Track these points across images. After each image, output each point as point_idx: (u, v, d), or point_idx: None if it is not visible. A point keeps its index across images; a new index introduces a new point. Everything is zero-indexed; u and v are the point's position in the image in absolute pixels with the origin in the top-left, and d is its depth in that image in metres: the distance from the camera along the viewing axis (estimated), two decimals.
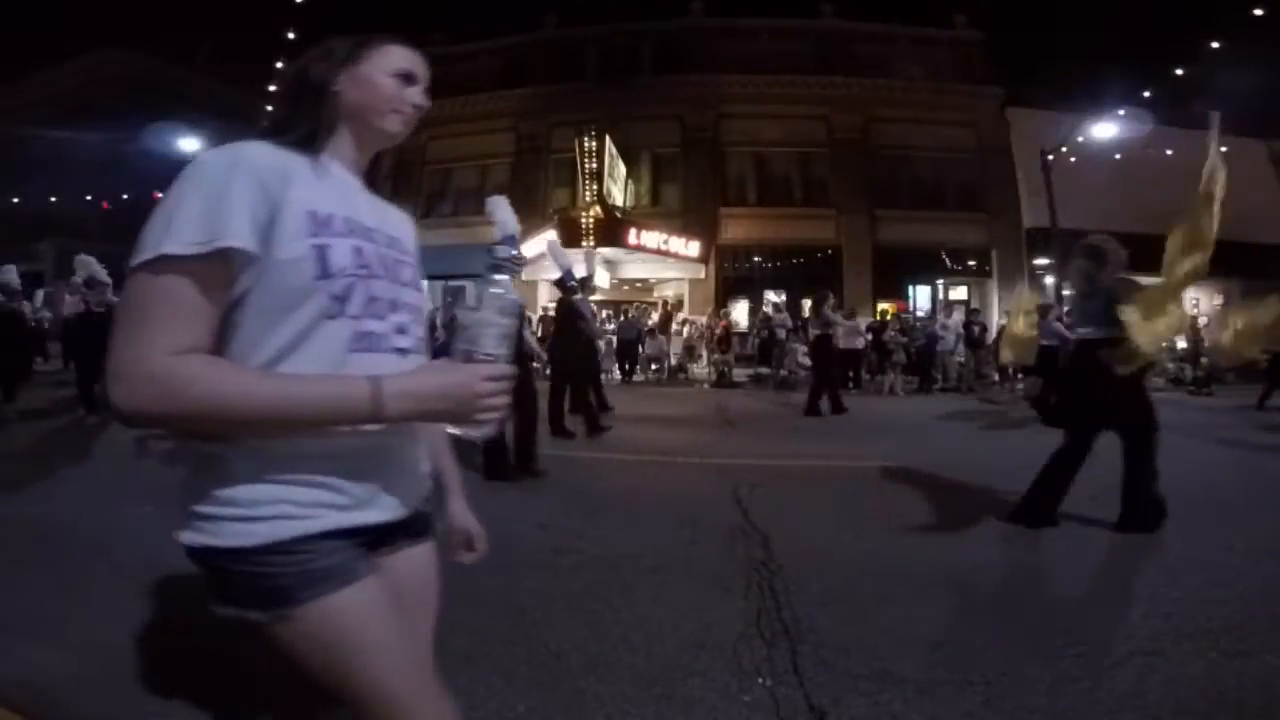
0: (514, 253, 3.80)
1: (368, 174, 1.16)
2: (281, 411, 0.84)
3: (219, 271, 0.84)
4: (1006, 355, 6.30)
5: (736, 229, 18.30)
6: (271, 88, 17.61)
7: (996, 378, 13.24)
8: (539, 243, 16.54)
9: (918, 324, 14.61)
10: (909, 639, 2.35)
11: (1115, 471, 4.88)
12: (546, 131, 19.18)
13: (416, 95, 1.10)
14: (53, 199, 21.05)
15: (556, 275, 7.14)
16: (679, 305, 17.98)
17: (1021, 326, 5.35)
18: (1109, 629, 2.42)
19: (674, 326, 16.41)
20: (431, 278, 13.62)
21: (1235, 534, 3.55)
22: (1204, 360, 13.82)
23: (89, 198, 18.96)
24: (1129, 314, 3.31)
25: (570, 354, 6.86)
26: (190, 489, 0.90)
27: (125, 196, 20.28)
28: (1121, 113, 14.64)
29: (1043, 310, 8.74)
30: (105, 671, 2.08)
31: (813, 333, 9.17)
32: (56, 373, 10.78)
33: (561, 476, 4.96)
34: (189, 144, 18.58)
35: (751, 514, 3.87)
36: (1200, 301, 17.71)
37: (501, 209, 4.31)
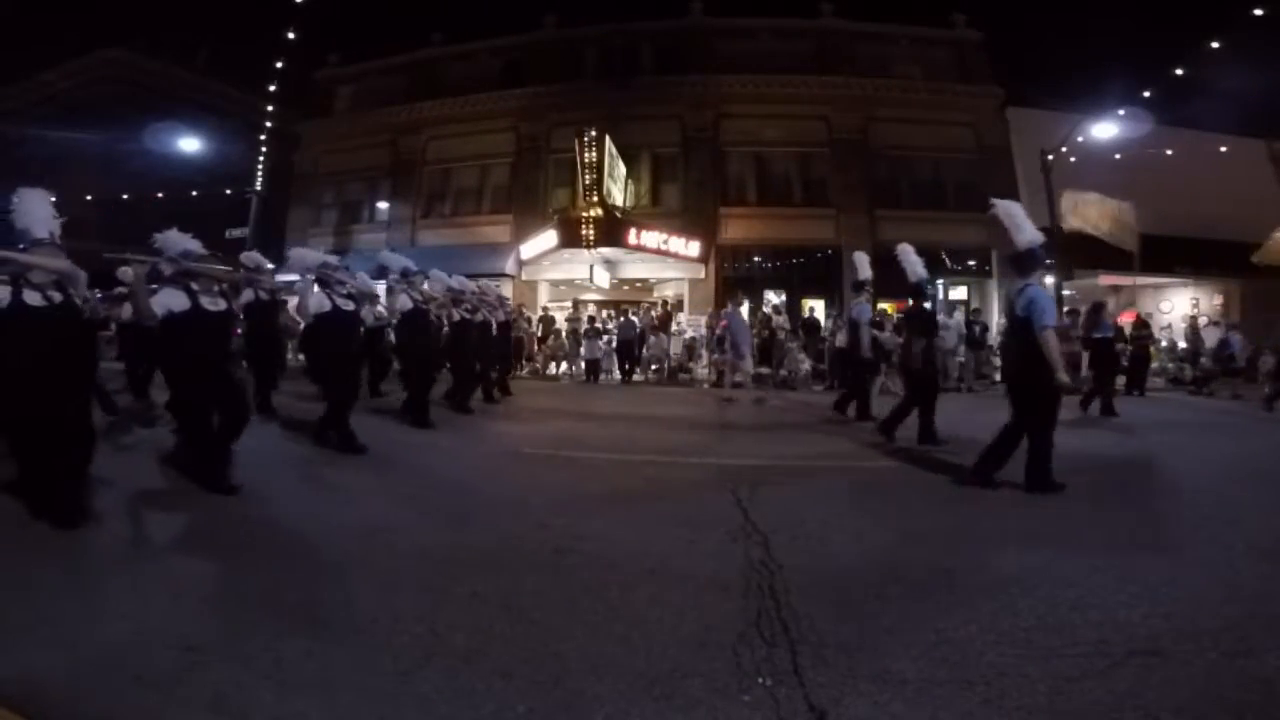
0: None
1: None
2: None
3: None
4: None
5: (736, 229, 18.29)
6: (271, 88, 17.66)
7: (997, 377, 13.25)
8: (540, 242, 16.61)
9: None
10: (909, 639, 2.35)
11: (1114, 476, 4.87)
12: (546, 131, 19.17)
13: None
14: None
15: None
16: (679, 305, 17.98)
17: None
18: (1109, 629, 2.42)
19: (674, 326, 16.42)
20: None
21: (1235, 534, 3.55)
22: (1203, 360, 13.83)
23: (89, 198, 18.96)
24: None
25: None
26: None
27: (125, 197, 20.28)
28: (1121, 113, 14.65)
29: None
30: (105, 671, 2.08)
31: (858, 336, 8.78)
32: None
33: (560, 476, 4.96)
34: (189, 144, 18.63)
35: (751, 514, 3.87)
36: (1200, 301, 17.72)
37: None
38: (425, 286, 7.45)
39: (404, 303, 6.85)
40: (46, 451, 3.45)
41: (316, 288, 5.62)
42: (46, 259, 3.50)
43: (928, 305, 6.93)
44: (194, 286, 4.24)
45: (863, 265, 8.66)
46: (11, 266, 3.47)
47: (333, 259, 6.12)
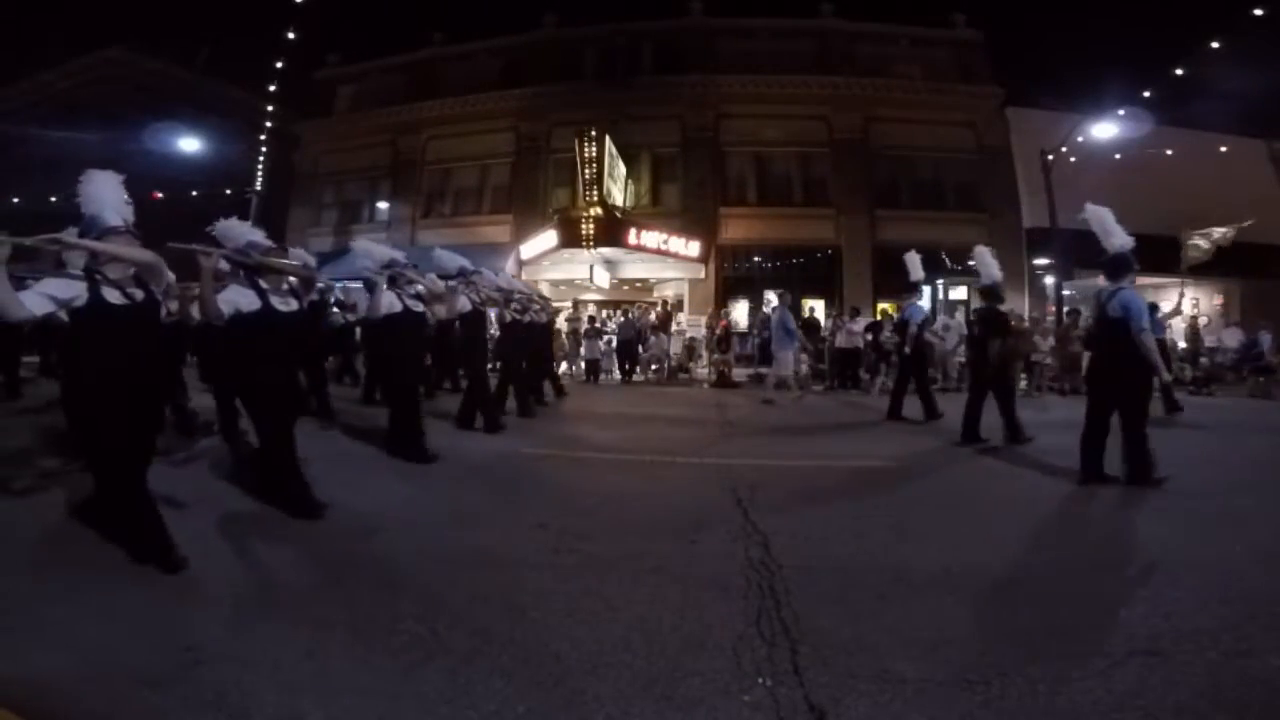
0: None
1: None
2: None
3: None
4: None
5: (736, 229, 18.29)
6: (271, 88, 17.67)
7: None
8: (540, 242, 16.61)
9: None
10: (909, 639, 2.35)
11: (1114, 473, 4.86)
12: (546, 131, 19.17)
13: None
14: (52, 199, 21.09)
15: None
16: (679, 305, 17.98)
17: None
18: (1109, 629, 2.42)
19: (674, 326, 16.41)
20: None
21: (1235, 534, 3.55)
22: (1203, 360, 13.83)
23: None
24: None
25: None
26: None
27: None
28: (1121, 113, 14.64)
29: None
30: (105, 671, 2.08)
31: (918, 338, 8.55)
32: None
33: (561, 477, 4.96)
34: (189, 144, 18.62)
35: (751, 514, 3.87)
36: (1200, 301, 17.71)
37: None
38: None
39: (463, 304, 6.37)
40: (129, 475, 2.97)
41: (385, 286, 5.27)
42: (129, 249, 3.01)
43: (1001, 307, 6.93)
44: (262, 284, 3.78)
45: (915, 267, 8.64)
46: (82, 258, 2.99)
47: (400, 255, 5.68)
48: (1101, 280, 4.86)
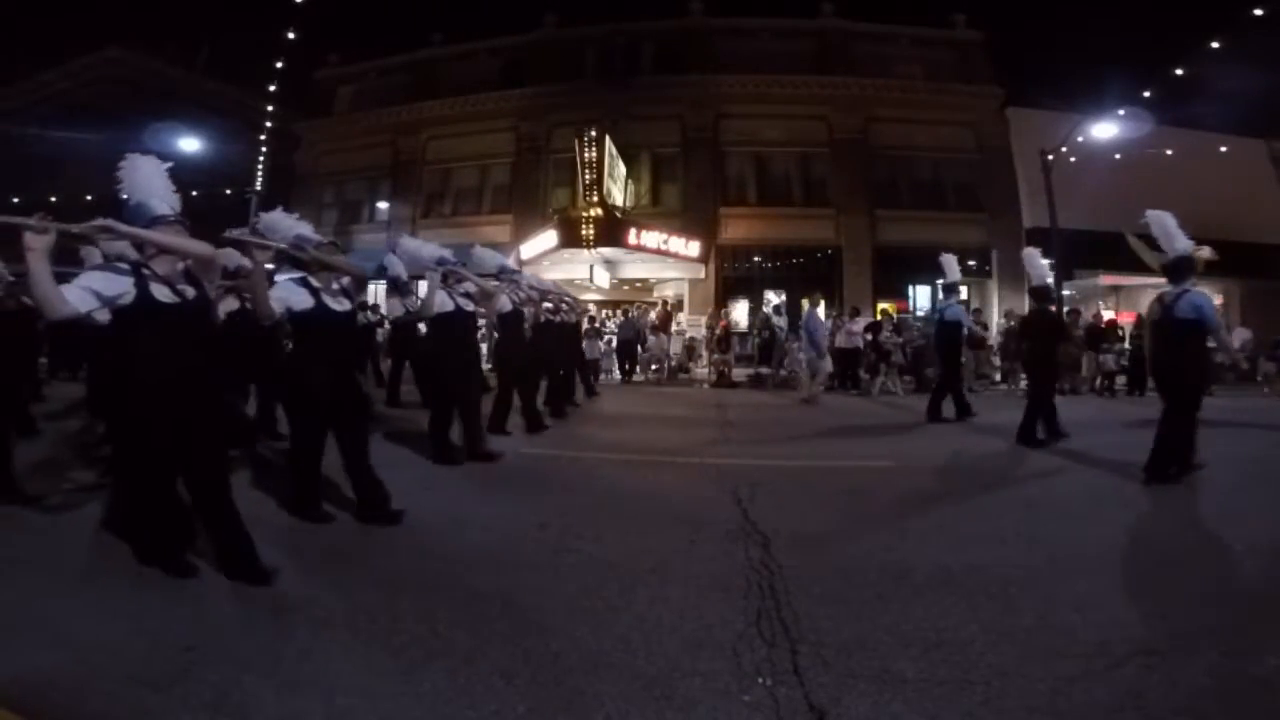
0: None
1: None
2: None
3: None
4: None
5: (736, 229, 18.30)
6: (271, 88, 17.65)
7: (998, 377, 13.26)
8: (540, 242, 16.60)
9: (917, 324, 14.61)
10: (909, 639, 2.35)
11: (1115, 476, 4.88)
12: (546, 131, 19.18)
13: None
14: (53, 199, 21.09)
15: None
16: (679, 305, 17.98)
17: None
18: (1109, 629, 2.42)
19: (674, 326, 16.41)
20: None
21: (1235, 534, 3.55)
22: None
23: (89, 198, 18.97)
24: None
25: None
26: None
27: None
28: (1121, 113, 14.64)
29: None
30: (105, 671, 2.08)
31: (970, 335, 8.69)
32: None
33: (561, 477, 4.96)
34: (189, 144, 18.61)
35: (751, 514, 3.87)
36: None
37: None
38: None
39: (503, 304, 6.21)
40: (164, 479, 2.77)
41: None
42: (184, 240, 2.71)
43: (1051, 308, 6.95)
44: (313, 281, 3.53)
45: (951, 268, 8.67)
46: (122, 249, 2.72)
47: (448, 253, 5.42)
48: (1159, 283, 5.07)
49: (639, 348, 14.48)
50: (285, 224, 3.67)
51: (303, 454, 3.63)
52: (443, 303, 5.05)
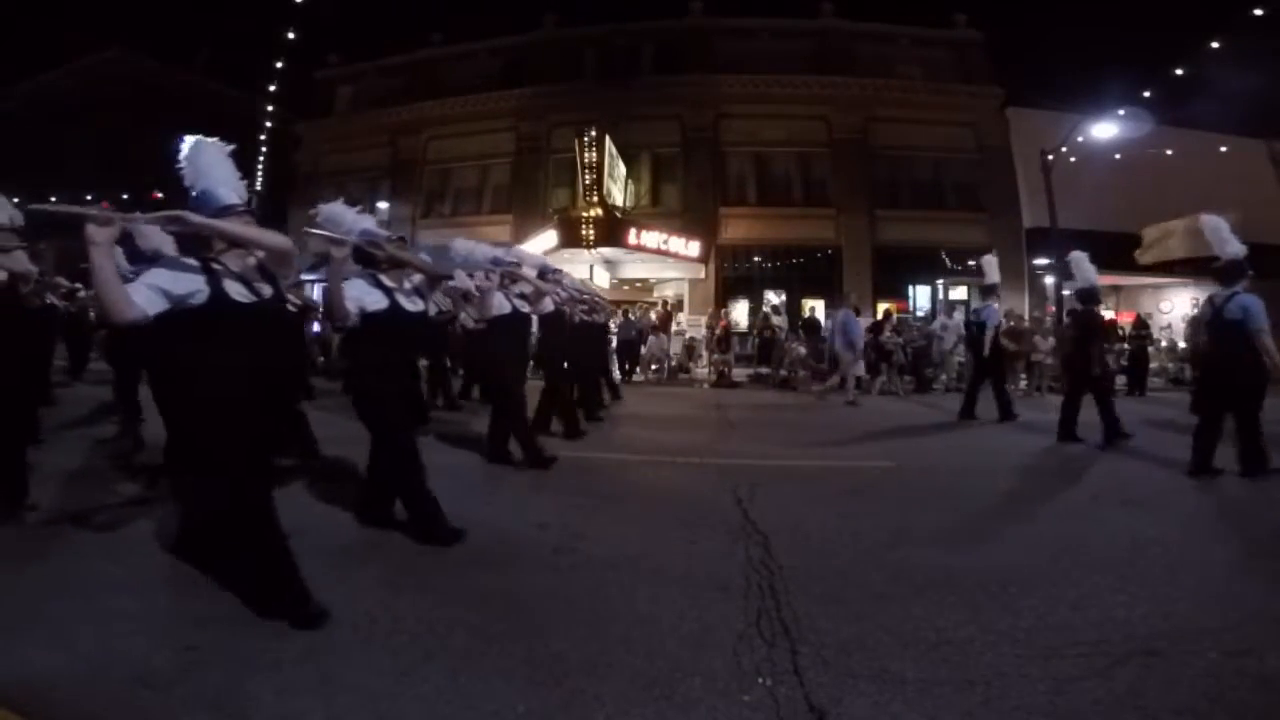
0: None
1: None
2: None
3: None
4: None
5: (736, 229, 18.30)
6: (271, 88, 17.68)
7: None
8: (540, 242, 16.60)
9: (917, 324, 14.63)
10: (909, 639, 2.35)
11: (1115, 475, 4.87)
12: (546, 131, 19.18)
13: None
14: (53, 199, 21.10)
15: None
16: (679, 305, 17.98)
17: None
18: (1109, 629, 2.42)
19: (674, 326, 16.42)
20: None
21: (1235, 534, 3.55)
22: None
23: (89, 197, 19.00)
24: None
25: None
26: None
27: (125, 196, 20.26)
28: (1121, 113, 14.64)
29: None
30: (105, 671, 2.08)
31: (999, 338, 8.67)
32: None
33: (561, 476, 4.96)
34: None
35: (751, 514, 3.87)
36: (1200, 301, 17.70)
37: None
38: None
39: (546, 305, 6.03)
40: (257, 502, 2.45)
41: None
42: (263, 233, 2.44)
43: (1099, 310, 7.02)
44: (384, 280, 3.32)
45: (991, 269, 8.77)
46: (159, 244, 2.50)
47: (503, 253, 5.23)
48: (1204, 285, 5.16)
49: (639, 348, 14.48)
50: (349, 217, 3.41)
51: (401, 470, 3.34)
52: (500, 305, 4.94)
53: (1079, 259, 7.12)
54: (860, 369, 11.04)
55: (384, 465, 3.40)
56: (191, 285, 2.28)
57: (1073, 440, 6.42)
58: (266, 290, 2.47)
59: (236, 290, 2.36)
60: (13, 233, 3.74)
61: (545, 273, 6.42)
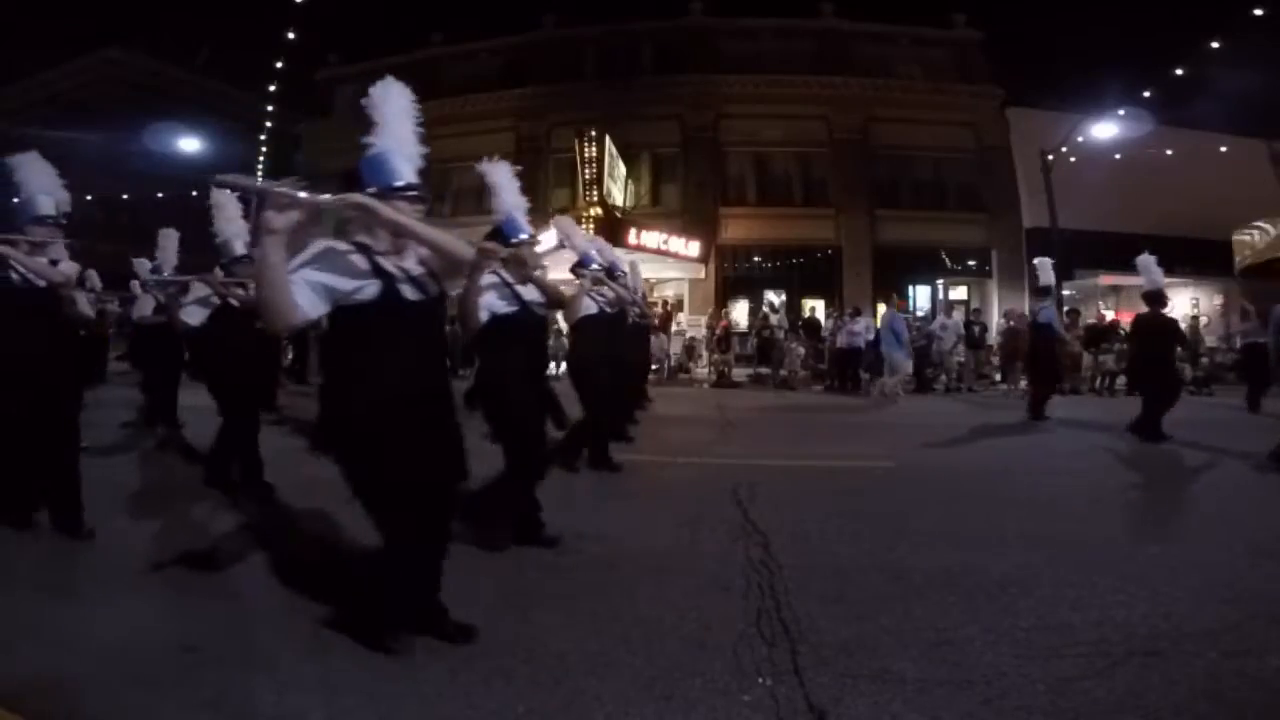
0: None
1: None
2: None
3: None
4: None
5: (736, 229, 18.29)
6: (271, 88, 17.66)
7: (998, 377, 13.25)
8: (541, 241, 16.59)
9: (917, 324, 14.62)
10: (909, 639, 2.35)
11: (1115, 475, 4.88)
12: (546, 131, 19.18)
13: None
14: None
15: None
16: (679, 305, 17.98)
17: None
18: (1109, 629, 2.42)
19: (674, 326, 16.42)
20: None
21: (1235, 534, 3.55)
22: (1204, 360, 13.82)
23: (89, 198, 19.01)
24: None
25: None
26: None
27: (125, 197, 20.29)
28: (1121, 113, 14.64)
29: None
30: (105, 671, 2.08)
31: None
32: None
33: (561, 476, 4.95)
34: (189, 144, 18.64)
35: (751, 514, 3.87)
36: (1200, 301, 17.71)
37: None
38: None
39: (588, 306, 5.64)
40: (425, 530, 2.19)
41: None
42: (445, 237, 2.15)
43: (1164, 312, 7.07)
44: (506, 277, 3.08)
45: (1045, 271, 8.88)
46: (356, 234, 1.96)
47: (594, 254, 5.06)
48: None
49: None
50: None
51: (524, 473, 3.20)
52: (587, 307, 4.80)
53: (1147, 262, 7.19)
54: (909, 367, 11.09)
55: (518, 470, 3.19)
56: (357, 279, 1.98)
57: (1161, 440, 6.42)
58: (435, 289, 2.18)
59: (410, 293, 2.07)
60: (56, 227, 3.41)
61: (614, 271, 6.01)
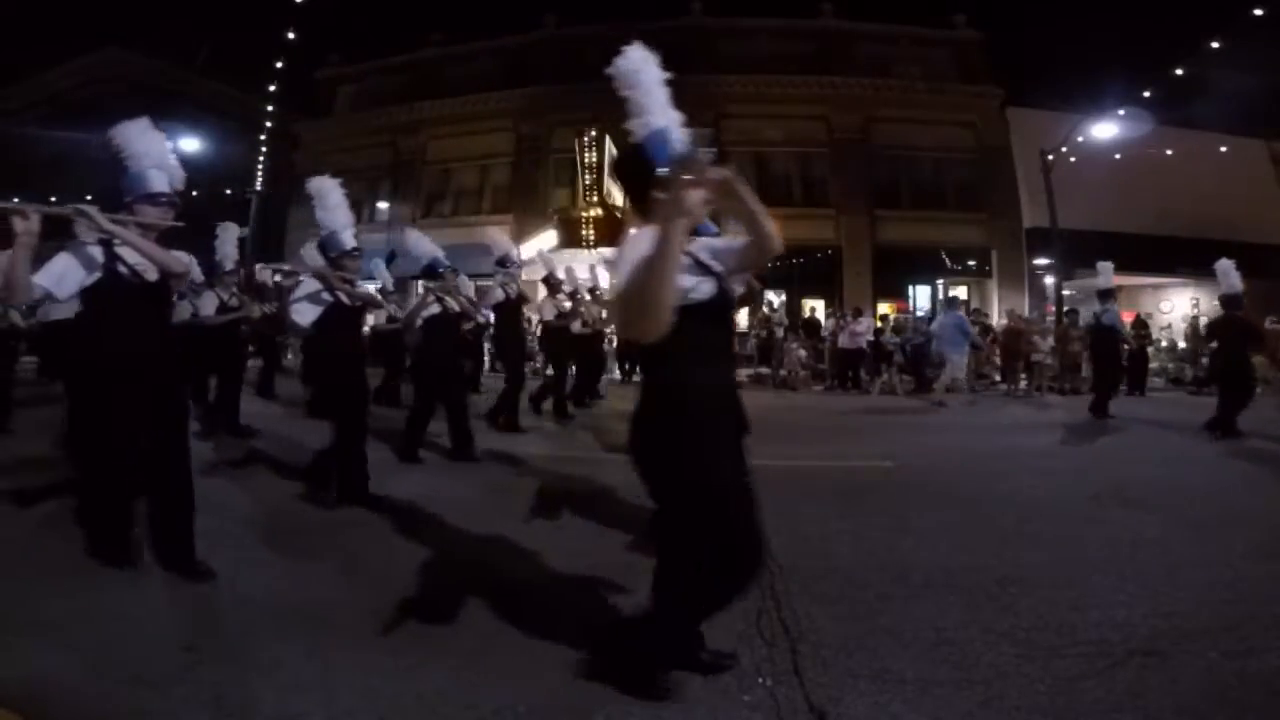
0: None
1: None
2: None
3: None
4: None
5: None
6: (271, 88, 17.66)
7: (998, 377, 13.25)
8: (540, 242, 16.59)
9: (915, 324, 14.62)
10: (909, 639, 2.35)
11: (1115, 475, 4.87)
12: (546, 131, 19.18)
13: None
14: (53, 199, 21.09)
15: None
16: None
17: None
18: (1109, 629, 2.42)
19: None
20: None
21: (1235, 534, 3.55)
22: (1203, 360, 13.83)
23: (89, 198, 19.00)
24: None
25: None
26: None
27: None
28: (1121, 113, 14.65)
29: None
30: (105, 672, 2.08)
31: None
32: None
33: (562, 477, 4.95)
34: (189, 144, 18.61)
35: None
36: (1200, 301, 17.71)
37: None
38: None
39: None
40: None
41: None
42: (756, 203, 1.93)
43: (1241, 314, 7.28)
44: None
45: (1106, 274, 8.98)
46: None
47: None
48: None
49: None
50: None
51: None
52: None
53: (1226, 267, 7.41)
54: (962, 370, 11.10)
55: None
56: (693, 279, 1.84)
57: (1235, 436, 6.60)
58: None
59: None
60: (169, 206, 2.90)
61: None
